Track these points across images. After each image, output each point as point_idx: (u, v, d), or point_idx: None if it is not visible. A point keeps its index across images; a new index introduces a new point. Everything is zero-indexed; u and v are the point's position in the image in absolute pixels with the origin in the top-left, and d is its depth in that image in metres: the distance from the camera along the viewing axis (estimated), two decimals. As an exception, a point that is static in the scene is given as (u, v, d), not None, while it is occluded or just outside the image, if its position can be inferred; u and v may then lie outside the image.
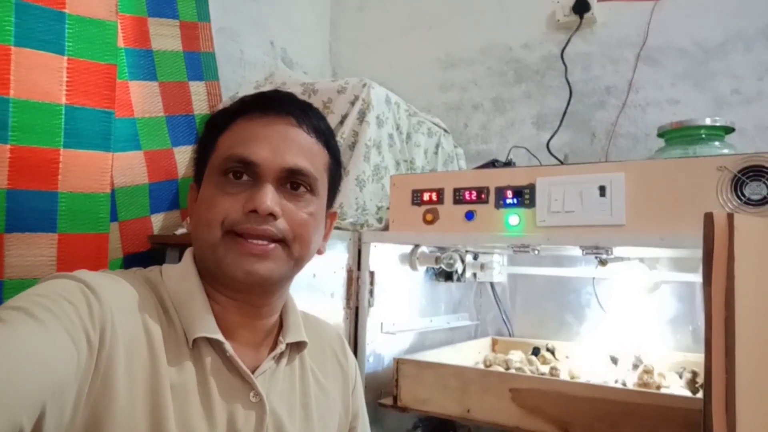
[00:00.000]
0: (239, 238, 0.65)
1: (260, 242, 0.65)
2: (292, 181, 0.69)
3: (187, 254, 0.72)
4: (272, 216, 0.66)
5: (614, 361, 1.38)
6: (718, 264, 0.65)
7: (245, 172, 0.67)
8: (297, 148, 0.69)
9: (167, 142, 1.29)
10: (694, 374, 1.26)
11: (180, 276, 0.69)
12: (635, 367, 1.34)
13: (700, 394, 1.10)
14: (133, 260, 1.19)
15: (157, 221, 1.26)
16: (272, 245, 0.66)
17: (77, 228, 1.02)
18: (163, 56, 1.31)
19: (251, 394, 0.67)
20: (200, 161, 0.73)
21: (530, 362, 1.36)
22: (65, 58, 1.00)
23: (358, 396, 0.87)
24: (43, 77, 0.97)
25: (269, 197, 0.65)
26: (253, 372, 0.68)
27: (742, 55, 1.54)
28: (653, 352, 1.39)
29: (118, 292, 0.62)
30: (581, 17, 1.73)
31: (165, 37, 1.32)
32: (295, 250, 0.68)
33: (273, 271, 0.67)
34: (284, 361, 0.74)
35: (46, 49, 0.97)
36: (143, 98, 1.25)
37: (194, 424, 0.61)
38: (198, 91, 1.39)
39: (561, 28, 1.79)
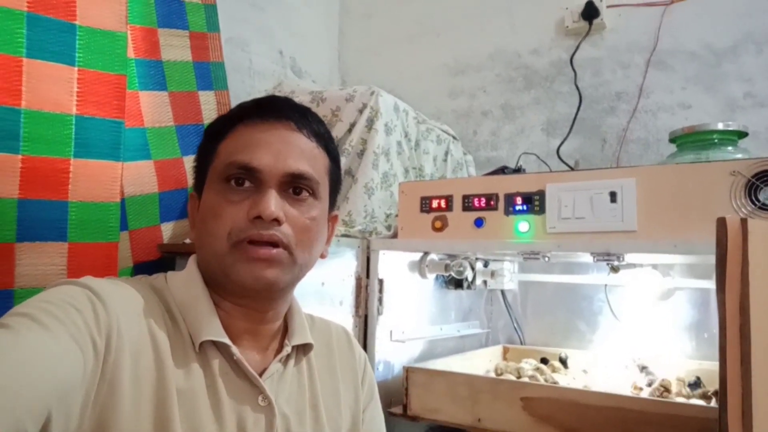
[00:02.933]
0: (245, 245, 0.65)
1: (266, 247, 0.65)
2: (295, 185, 0.69)
3: (191, 261, 0.72)
4: (276, 221, 0.65)
5: (642, 368, 1.36)
6: (731, 269, 0.64)
7: (247, 179, 0.67)
8: (298, 152, 0.69)
9: (177, 151, 1.30)
10: (698, 380, 1.24)
11: (185, 282, 0.70)
12: (642, 369, 1.32)
13: (713, 403, 1.08)
14: (143, 269, 1.19)
15: (167, 230, 1.26)
16: (276, 250, 0.66)
17: (87, 237, 1.03)
18: (172, 66, 1.31)
19: (260, 397, 0.67)
20: (200, 169, 0.73)
21: (541, 372, 1.34)
22: (76, 69, 1.01)
23: (368, 386, 0.86)
24: (54, 88, 0.98)
25: (273, 203, 0.65)
26: (260, 375, 0.68)
27: (754, 57, 1.52)
28: (667, 360, 1.37)
29: (123, 298, 0.62)
30: (590, 23, 1.72)
31: (175, 47, 1.33)
32: (299, 254, 0.68)
33: (279, 277, 0.67)
34: (291, 363, 0.73)
35: (56, 60, 0.98)
36: (153, 108, 1.25)
37: (204, 428, 0.61)
38: (207, 100, 1.40)
39: (570, 33, 1.78)
